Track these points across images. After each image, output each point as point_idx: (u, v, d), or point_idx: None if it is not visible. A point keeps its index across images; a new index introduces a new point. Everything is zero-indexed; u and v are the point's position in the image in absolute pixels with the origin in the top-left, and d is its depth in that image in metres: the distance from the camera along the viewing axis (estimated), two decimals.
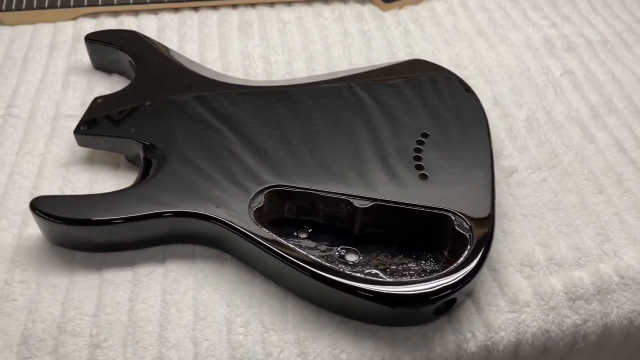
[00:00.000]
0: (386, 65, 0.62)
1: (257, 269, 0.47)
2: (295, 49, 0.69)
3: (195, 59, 0.67)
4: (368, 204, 0.48)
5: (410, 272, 0.47)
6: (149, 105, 0.55)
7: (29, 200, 0.51)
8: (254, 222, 0.46)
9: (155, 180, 0.49)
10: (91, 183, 0.53)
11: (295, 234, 0.49)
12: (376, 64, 0.63)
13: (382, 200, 0.48)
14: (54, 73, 0.64)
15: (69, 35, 0.69)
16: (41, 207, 0.46)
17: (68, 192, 0.53)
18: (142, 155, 0.52)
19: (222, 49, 0.68)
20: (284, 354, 0.43)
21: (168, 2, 0.72)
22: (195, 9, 0.74)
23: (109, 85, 0.63)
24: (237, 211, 0.46)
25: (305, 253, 0.45)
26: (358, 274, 0.44)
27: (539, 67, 0.68)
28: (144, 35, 0.64)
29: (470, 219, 0.47)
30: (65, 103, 0.61)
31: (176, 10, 0.73)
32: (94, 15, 0.72)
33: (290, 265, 0.44)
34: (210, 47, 0.68)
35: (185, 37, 0.70)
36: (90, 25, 0.70)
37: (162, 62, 0.60)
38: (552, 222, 0.52)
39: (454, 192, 0.49)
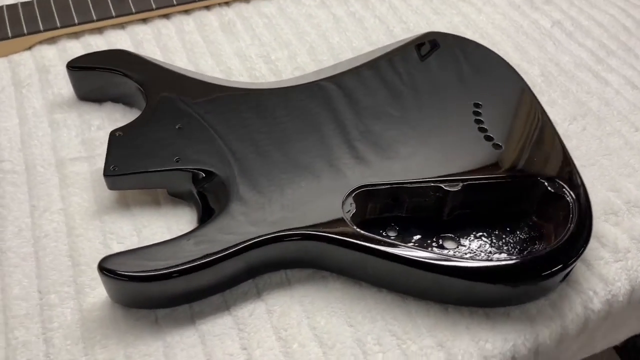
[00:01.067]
0: (401, 43, 0.59)
1: (363, 279, 0.44)
2: (292, 42, 0.64)
3: (190, 69, 0.60)
4: (458, 186, 0.46)
5: (512, 245, 0.46)
6: (183, 128, 0.48)
7: (72, 266, 0.43)
8: (356, 229, 0.42)
9: (232, 209, 0.43)
10: (137, 229, 0.46)
11: (384, 233, 0.46)
12: (388, 44, 0.60)
13: (470, 179, 0.46)
14: (33, 114, 0.55)
15: (31, 68, 0.59)
16: (115, 267, 0.39)
17: (114, 245, 0.45)
18: (194, 185, 0.46)
19: (214, 54, 0.62)
20: None
21: (136, 12, 0.64)
22: (166, 16, 0.66)
23: (106, 115, 0.55)
24: (335, 221, 0.42)
25: (418, 250, 0.42)
26: (479, 260, 0.42)
27: (530, 23, 0.69)
28: (133, 53, 0.56)
29: (560, 178, 0.46)
30: (63, 145, 0.52)
31: (145, 20, 0.65)
32: (52, 40, 0.62)
33: (410, 266, 0.41)
34: (200, 55, 0.62)
35: (168, 48, 0.62)
36: (52, 53, 0.61)
37: (172, 78, 0.53)
38: (610, 167, 0.53)
39: (531, 155, 0.48)
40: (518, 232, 0.47)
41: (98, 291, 0.42)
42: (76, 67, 0.54)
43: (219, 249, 0.40)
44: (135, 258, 0.40)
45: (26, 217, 0.47)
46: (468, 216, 0.47)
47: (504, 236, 0.46)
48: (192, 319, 0.41)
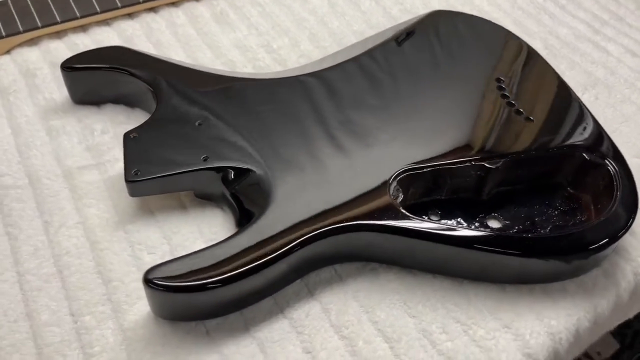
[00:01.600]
0: (408, 24, 0.58)
1: (416, 267, 0.42)
2: (290, 30, 0.61)
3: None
4: (499, 162, 0.45)
5: (555, 218, 0.45)
6: (204, 124, 0.45)
7: (102, 283, 0.40)
8: (408, 215, 0.40)
9: (275, 206, 0.40)
10: (167, 237, 0.43)
11: (428, 218, 0.45)
12: (393, 26, 0.59)
13: (509, 155, 0.45)
14: (27, 122, 0.50)
15: (14, 73, 0.54)
16: (164, 279, 0.35)
17: (145, 256, 0.41)
18: (225, 187, 0.42)
19: (212, 47, 0.59)
20: (501, 343, 0.38)
21: (122, 6, 0.59)
22: (153, 9, 0.62)
23: (108, 118, 0.50)
24: (385, 209, 0.40)
25: (478, 231, 0.41)
26: (535, 237, 0.42)
27: None
28: (132, 49, 0.52)
29: (597, 146, 0.46)
30: (67, 154, 0.47)
31: (131, 15, 0.61)
32: (32, 42, 0.57)
33: (470, 248, 0.40)
34: (197, 49, 0.58)
35: (161, 43, 0.58)
36: (35, 55, 0.55)
37: (182, 73, 0.49)
38: (630, 134, 0.53)
39: (563, 125, 0.47)
40: (558, 205, 0.46)
41: (137, 307, 0.39)
42: (72, 67, 0.49)
43: (273, 249, 0.37)
44: (183, 267, 0.37)
45: (40, 234, 0.42)
46: (506, 194, 0.46)
47: (545, 210, 0.46)
48: (245, 327, 0.38)
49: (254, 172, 0.42)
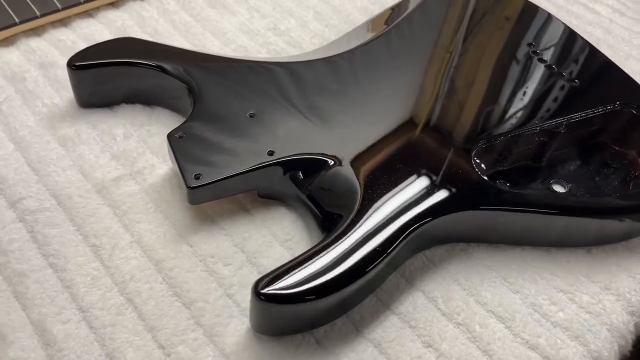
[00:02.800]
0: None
1: (504, 241, 0.41)
2: (293, 10, 0.57)
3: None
4: (562, 126, 0.44)
5: (614, 176, 0.45)
6: (257, 114, 0.40)
7: (183, 306, 0.35)
8: (509, 188, 0.39)
9: (368, 199, 0.36)
10: (239, 244, 0.38)
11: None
12: (398, 3, 0.56)
13: (569, 119, 0.45)
14: (31, 134, 0.42)
15: None
16: (278, 291, 0.31)
17: (222, 269, 0.37)
18: (297, 187, 0.38)
19: (217, 34, 0.53)
20: (608, 306, 0.38)
21: None
22: None
23: (127, 120, 0.44)
24: (480, 185, 0.38)
25: (572, 197, 0.40)
26: (603, 196, 0.41)
27: None
28: (143, 40, 0.45)
29: None
30: (92, 165, 0.41)
31: (115, 4, 0.54)
32: (8, 42, 0.48)
33: (566, 215, 0.39)
34: (201, 36, 0.52)
35: (160, 33, 0.52)
36: (16, 56, 0.47)
37: (214, 61, 0.44)
38: None
39: (605, 83, 0.48)
40: (610, 163, 0.47)
41: (233, 327, 0.34)
42: (82, 65, 0.42)
43: (382, 245, 0.34)
44: (295, 275, 0.32)
45: (92, 260, 0.36)
46: (561, 158, 0.46)
47: (600, 169, 0.46)
48: (357, 330, 0.35)
49: (329, 162, 0.38)
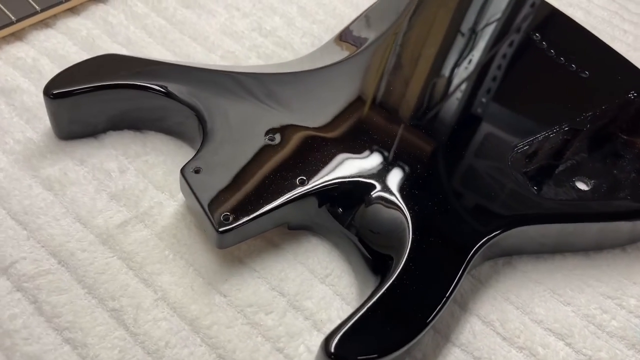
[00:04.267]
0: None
1: (543, 251, 0.39)
2: (274, 5, 0.52)
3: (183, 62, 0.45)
4: (586, 123, 0.43)
5: (628, 166, 0.45)
6: (276, 138, 0.36)
7: None
8: (556, 199, 0.37)
9: (424, 233, 0.33)
10: (276, 287, 0.34)
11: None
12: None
13: (591, 114, 0.43)
14: (7, 178, 0.35)
15: None
16: (352, 352, 0.28)
17: (264, 319, 0.32)
18: (339, 223, 0.35)
19: (197, 38, 0.47)
20: None
21: (66, 1, 0.45)
22: (97, 0, 0.48)
23: (118, 151, 0.38)
24: (528, 197, 0.36)
25: (609, 202, 0.39)
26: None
27: None
28: (128, 56, 0.39)
29: None
30: (90, 210, 0.35)
31: (74, 10, 0.46)
32: None
33: (604, 221, 0.38)
34: (181, 42, 0.46)
35: (134, 42, 0.46)
36: None
37: (218, 78, 0.38)
38: None
39: (615, 74, 0.47)
40: (623, 154, 0.46)
41: None
42: (61, 93, 0.36)
43: (446, 284, 0.32)
44: (364, 332, 0.29)
45: (115, 329, 0.31)
46: (579, 154, 0.45)
47: (615, 161, 0.45)
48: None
49: (369, 188, 0.35)
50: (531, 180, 0.41)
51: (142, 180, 0.37)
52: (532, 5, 0.51)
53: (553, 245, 0.39)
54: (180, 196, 0.37)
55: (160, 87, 0.37)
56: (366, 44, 0.44)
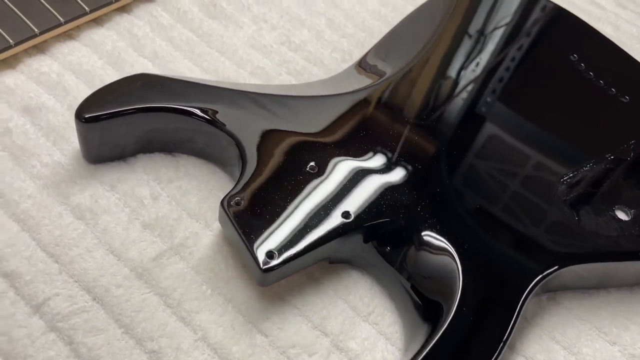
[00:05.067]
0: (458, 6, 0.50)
1: (585, 286, 0.38)
2: (302, 17, 0.50)
3: (210, 78, 0.43)
4: (630, 152, 0.42)
5: None
6: (320, 167, 0.34)
7: None
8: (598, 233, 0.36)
9: (477, 276, 0.32)
10: (318, 326, 0.32)
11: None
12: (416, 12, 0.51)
13: (634, 142, 0.42)
14: (35, 206, 0.34)
15: None
16: None
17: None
18: (400, 275, 0.33)
19: (225, 52, 0.45)
20: None
21: (90, 11, 0.43)
22: (125, 8, 0.46)
23: (150, 176, 0.36)
24: (580, 233, 0.35)
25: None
26: None
27: None
28: (162, 75, 0.37)
29: None
30: (124, 241, 0.33)
31: (98, 21, 0.44)
32: None
33: None
34: (209, 57, 0.45)
35: (161, 56, 0.44)
36: None
37: (252, 100, 0.37)
38: None
39: None
40: None
41: None
42: (95, 117, 0.34)
43: (501, 331, 0.31)
44: None
45: None
46: (619, 182, 0.44)
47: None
48: None
49: (414, 224, 0.34)
50: (571, 208, 0.40)
51: (176, 208, 0.36)
52: (569, 24, 0.50)
53: (597, 281, 0.38)
54: (216, 225, 0.35)
55: (200, 110, 0.35)
56: (405, 66, 0.42)
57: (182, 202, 0.36)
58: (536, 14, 0.50)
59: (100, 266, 0.32)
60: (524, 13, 0.49)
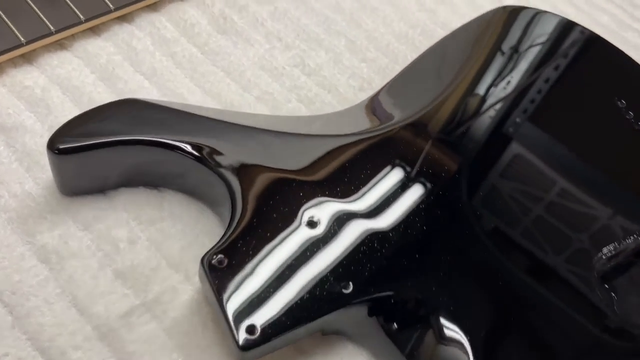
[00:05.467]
0: (479, 23, 0.45)
1: None
2: (320, 36, 0.45)
3: (213, 105, 0.39)
4: None
5: None
6: (318, 222, 0.30)
7: None
8: None
9: None
10: None
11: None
12: (452, 28, 0.46)
13: None
14: (1, 243, 0.30)
15: None
16: None
17: None
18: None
19: (232, 73, 0.41)
20: None
21: (86, 20, 0.39)
22: (125, 17, 0.42)
23: (129, 214, 0.32)
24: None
25: None
26: None
27: None
28: (150, 101, 0.33)
29: None
30: (90, 292, 0.29)
31: (95, 30, 0.41)
32: None
33: None
34: (212, 78, 0.40)
35: (159, 73, 0.39)
36: None
37: (249, 135, 0.32)
38: None
39: None
40: None
41: None
42: (68, 149, 0.30)
43: None
44: None
45: None
46: None
47: None
48: None
49: (427, 303, 0.29)
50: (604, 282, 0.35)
51: (155, 255, 0.32)
52: (615, 62, 0.45)
53: None
54: (197, 279, 0.31)
55: (190, 146, 0.31)
56: (421, 110, 0.37)
57: (162, 248, 0.32)
58: (573, 44, 0.45)
59: (59, 322, 0.28)
60: (558, 43, 0.44)
